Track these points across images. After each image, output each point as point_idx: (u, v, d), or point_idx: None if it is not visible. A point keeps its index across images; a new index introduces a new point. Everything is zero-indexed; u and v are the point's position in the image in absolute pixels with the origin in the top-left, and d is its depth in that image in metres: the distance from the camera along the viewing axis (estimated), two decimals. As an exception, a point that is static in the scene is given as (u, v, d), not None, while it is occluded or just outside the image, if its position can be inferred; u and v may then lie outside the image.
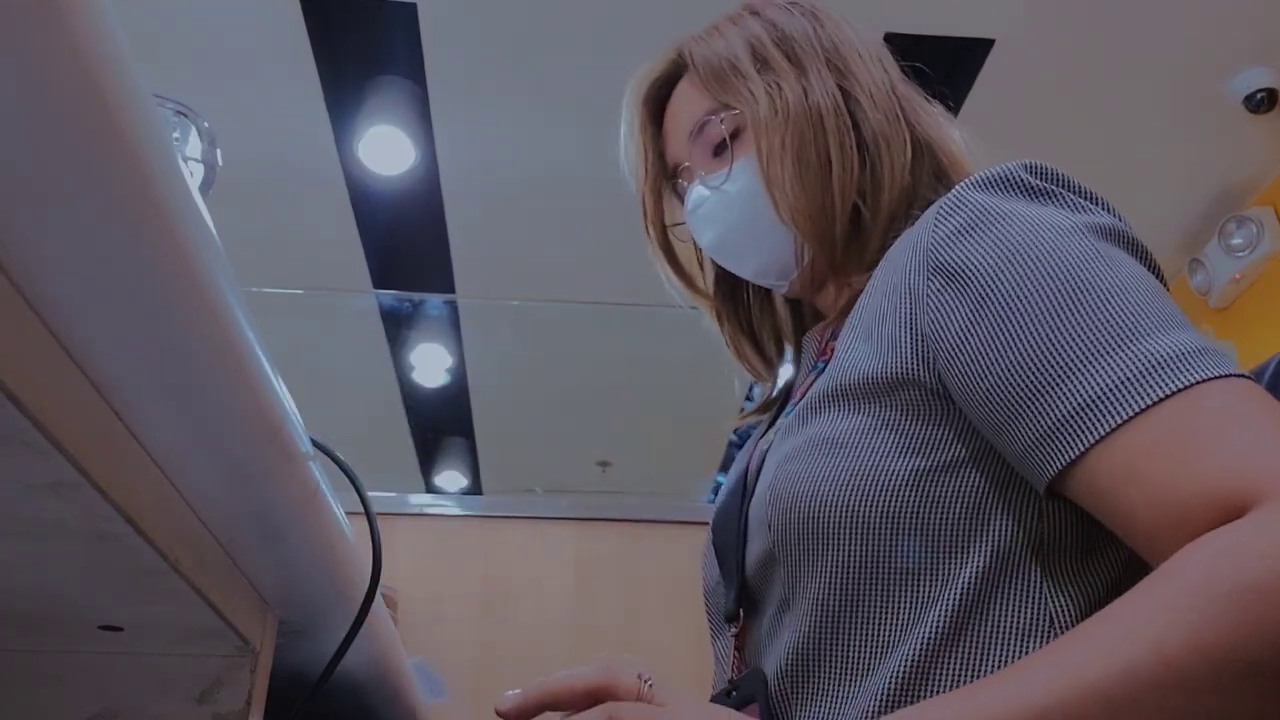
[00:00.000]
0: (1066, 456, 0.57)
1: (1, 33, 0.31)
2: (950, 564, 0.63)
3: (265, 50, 3.08)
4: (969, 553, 0.63)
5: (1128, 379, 0.56)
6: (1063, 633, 0.59)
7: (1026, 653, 0.60)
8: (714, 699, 0.73)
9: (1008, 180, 0.68)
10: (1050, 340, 0.59)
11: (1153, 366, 0.56)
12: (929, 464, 0.65)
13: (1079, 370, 0.58)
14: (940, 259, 0.66)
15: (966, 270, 0.64)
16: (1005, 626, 0.62)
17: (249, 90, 3.19)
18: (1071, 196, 0.68)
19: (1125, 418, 0.55)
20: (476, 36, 3.05)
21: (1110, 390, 0.56)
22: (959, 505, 0.64)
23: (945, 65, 3.05)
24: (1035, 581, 0.62)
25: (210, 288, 0.45)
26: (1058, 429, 0.58)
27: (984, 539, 0.63)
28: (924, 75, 0.92)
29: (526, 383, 4.78)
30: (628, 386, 4.66)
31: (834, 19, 0.89)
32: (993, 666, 0.61)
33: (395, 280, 4.21)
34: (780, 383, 0.96)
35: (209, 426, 0.53)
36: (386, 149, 3.36)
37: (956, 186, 0.70)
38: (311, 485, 0.64)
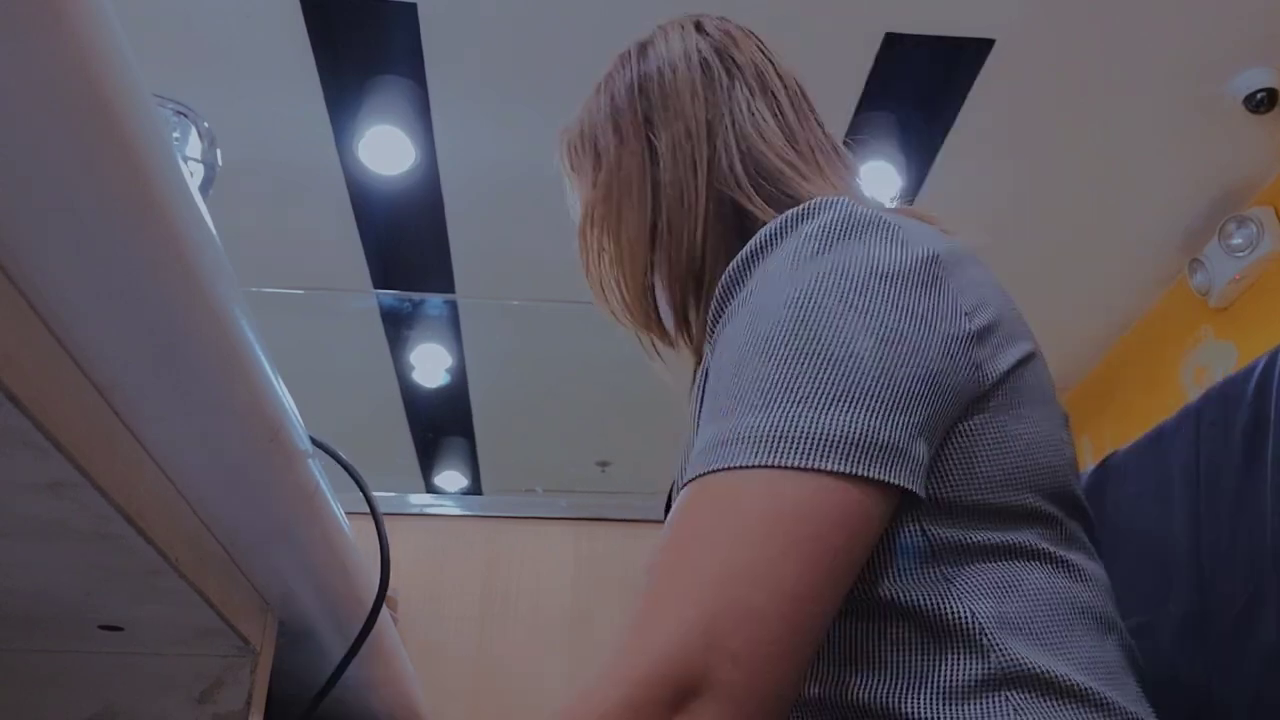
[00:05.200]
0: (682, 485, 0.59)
1: (1, 33, 0.31)
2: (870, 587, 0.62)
3: (265, 50, 3.08)
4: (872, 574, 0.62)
5: (721, 442, 0.56)
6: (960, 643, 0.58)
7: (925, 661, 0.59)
8: None
9: (772, 232, 0.67)
10: (724, 384, 0.60)
11: (739, 439, 0.56)
12: None
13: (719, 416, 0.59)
14: (718, 299, 0.68)
15: (726, 313, 0.66)
16: (921, 639, 0.60)
17: (249, 90, 3.19)
18: (817, 229, 0.64)
19: (701, 472, 0.56)
20: (476, 36, 3.05)
21: (716, 443, 0.57)
22: None
23: (945, 65, 3.05)
24: (926, 597, 0.61)
25: (210, 288, 0.45)
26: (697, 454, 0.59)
27: (879, 562, 0.63)
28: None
29: (526, 383, 4.77)
30: (628, 386, 4.66)
31: (659, 52, 0.86)
32: (896, 680, 0.60)
33: (395, 280, 4.21)
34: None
35: (209, 426, 0.53)
36: (386, 149, 3.36)
37: (763, 227, 0.68)
38: (311, 485, 0.65)
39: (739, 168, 0.78)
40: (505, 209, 3.71)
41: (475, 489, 5.46)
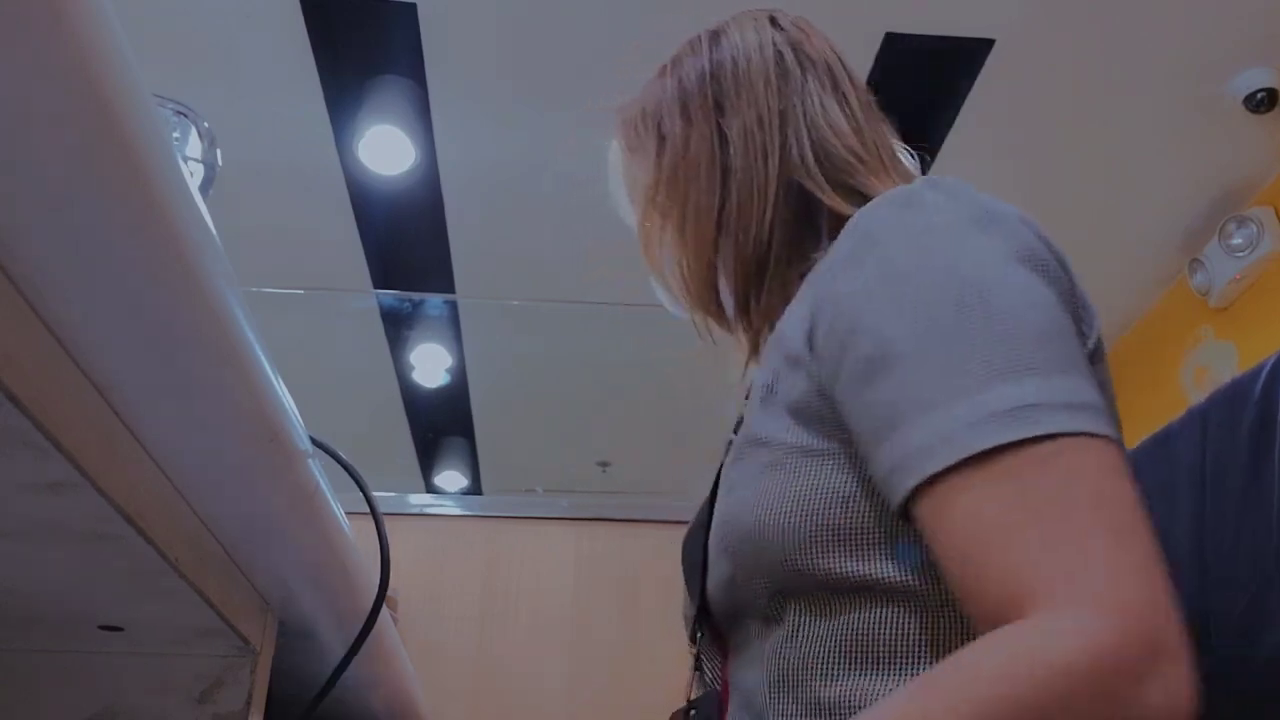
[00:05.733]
0: (901, 492, 0.58)
1: (2, 33, 0.31)
2: (886, 577, 0.63)
3: (265, 50, 3.08)
4: (897, 567, 0.63)
5: (969, 424, 0.55)
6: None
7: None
8: (672, 716, 0.75)
9: (905, 200, 0.67)
10: (902, 378, 0.59)
11: (998, 414, 0.55)
12: (856, 483, 0.65)
13: (927, 409, 0.57)
14: (832, 286, 0.66)
15: (845, 299, 0.64)
16: (936, 636, 0.62)
17: (249, 90, 3.19)
18: (966, 207, 0.65)
19: (951, 462, 0.55)
20: (476, 36, 3.05)
21: (950, 433, 0.56)
22: (882, 524, 0.64)
23: (945, 65, 3.05)
24: (945, 601, 0.62)
25: (210, 288, 0.45)
26: (898, 466, 0.58)
27: (906, 555, 0.64)
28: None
29: (526, 383, 4.77)
30: (628, 386, 4.66)
31: (733, 41, 0.87)
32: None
33: (395, 280, 4.21)
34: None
35: (209, 426, 0.53)
36: (386, 149, 3.36)
37: (865, 207, 0.69)
38: (311, 485, 0.64)
39: (809, 157, 0.80)
40: (505, 209, 3.71)
41: (475, 489, 5.46)
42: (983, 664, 0.51)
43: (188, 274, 0.44)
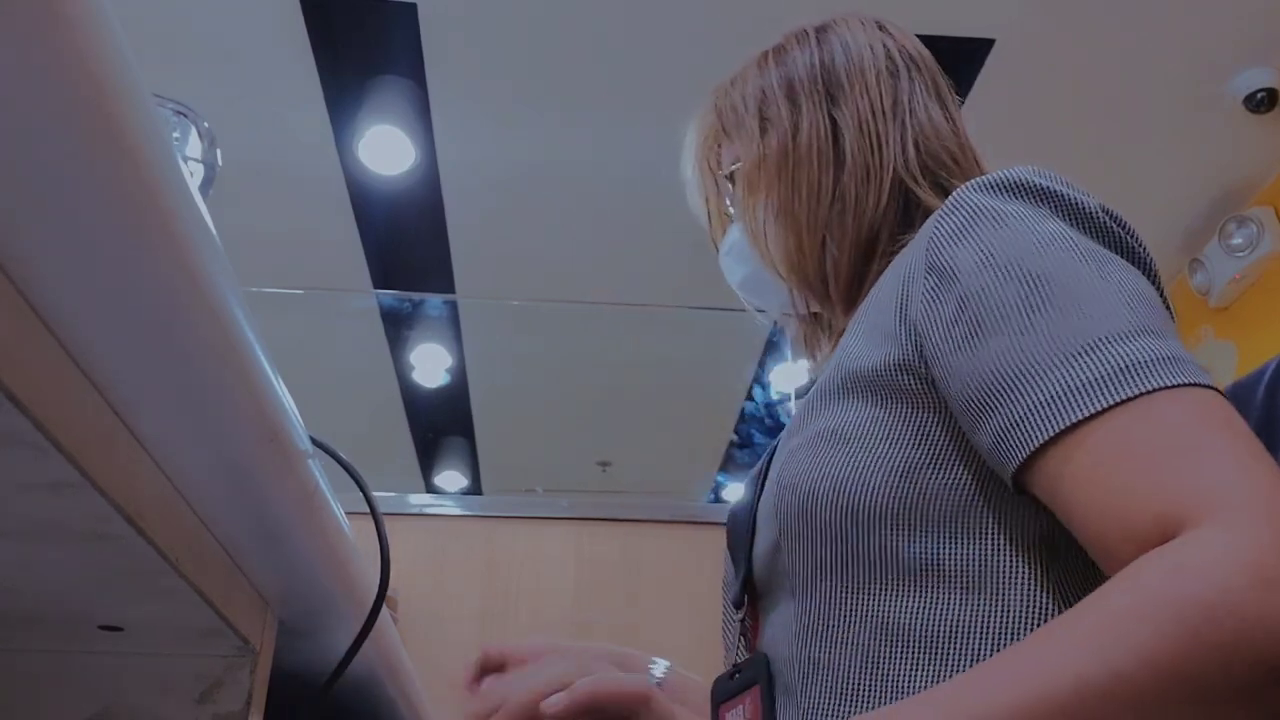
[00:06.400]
0: (1024, 451, 0.58)
1: (2, 33, 0.31)
2: (943, 559, 0.64)
3: (265, 50, 3.08)
4: (959, 548, 0.64)
5: (1090, 381, 0.57)
6: None
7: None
8: (718, 680, 0.75)
9: (1009, 183, 0.70)
10: (1021, 341, 0.61)
11: (1117, 370, 0.57)
12: (923, 457, 0.66)
13: (1044, 370, 0.59)
14: (934, 258, 0.68)
15: (954, 270, 0.66)
16: (996, 624, 0.62)
17: (249, 91, 3.19)
18: (1073, 199, 0.69)
19: (1082, 416, 0.56)
20: (476, 36, 3.05)
21: (1071, 390, 0.57)
22: (947, 500, 0.65)
23: (945, 65, 3.05)
24: (1022, 581, 0.63)
25: (210, 288, 0.45)
26: (1017, 424, 0.59)
27: (972, 535, 0.64)
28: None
29: (526, 383, 4.78)
30: (628, 386, 4.66)
31: (841, 37, 0.91)
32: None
33: (395, 280, 4.21)
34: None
35: (209, 426, 0.53)
36: (386, 149, 3.36)
37: (960, 188, 0.71)
38: (311, 484, 0.64)
39: (913, 152, 0.85)
40: (505, 209, 3.71)
41: (475, 489, 5.46)
42: (1152, 580, 0.51)
43: (188, 274, 0.44)
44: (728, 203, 0.95)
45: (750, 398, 4.78)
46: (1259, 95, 3.07)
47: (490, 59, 3.11)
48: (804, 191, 0.85)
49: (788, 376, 4.43)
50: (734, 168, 0.90)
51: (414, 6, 2.93)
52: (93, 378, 0.46)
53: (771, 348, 4.45)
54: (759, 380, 4.74)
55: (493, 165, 3.50)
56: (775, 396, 4.65)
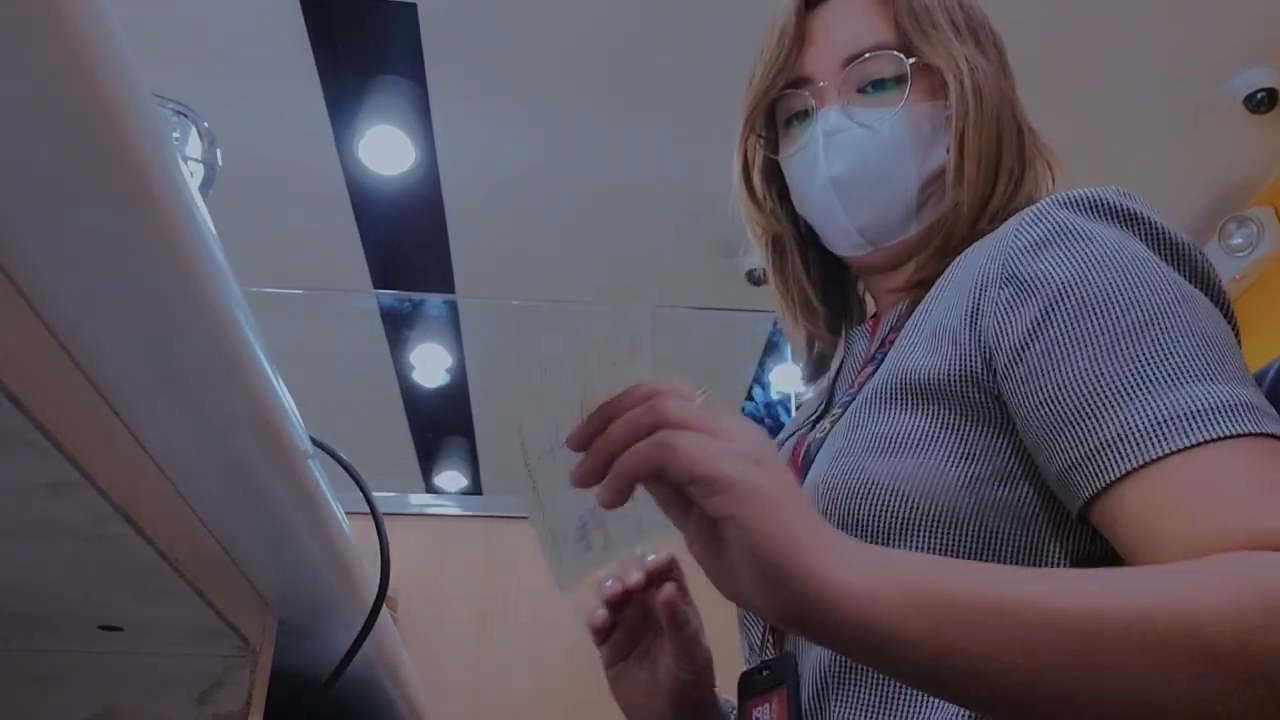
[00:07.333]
0: (1102, 480, 0.58)
1: (2, 32, 0.31)
2: None
3: (265, 50, 3.08)
4: (1017, 563, 0.63)
5: (1175, 416, 0.57)
6: None
7: None
8: (745, 675, 0.73)
9: (1095, 202, 0.68)
10: (1105, 364, 0.60)
11: (1203, 410, 0.57)
12: (985, 471, 0.65)
13: (1127, 399, 0.58)
14: (1014, 268, 0.66)
15: (1036, 282, 0.65)
16: None
17: (249, 90, 3.19)
18: (1159, 225, 0.68)
19: (1167, 452, 0.56)
20: (476, 36, 3.05)
21: (1157, 424, 0.57)
22: (1009, 516, 0.64)
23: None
24: None
25: (210, 288, 0.45)
26: (1098, 452, 0.58)
27: (1031, 553, 0.64)
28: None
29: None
30: (628, 386, 4.65)
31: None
32: None
33: (395, 280, 4.21)
34: (809, 385, 0.95)
35: (209, 426, 0.53)
36: (386, 149, 3.36)
37: (1043, 200, 0.70)
38: (311, 485, 0.64)
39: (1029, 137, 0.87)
40: (505, 209, 3.71)
41: (475, 489, 5.45)
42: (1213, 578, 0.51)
43: (188, 274, 0.44)
44: (822, 81, 0.82)
45: (750, 398, 4.77)
46: (1259, 95, 3.07)
47: (490, 59, 3.11)
48: (1005, 138, 0.82)
49: (788, 376, 4.42)
50: (912, 62, 0.81)
51: (414, 6, 2.93)
52: (93, 378, 0.46)
53: (771, 348, 4.45)
54: (759, 380, 4.73)
55: (493, 165, 3.50)
56: (775, 396, 4.64)
